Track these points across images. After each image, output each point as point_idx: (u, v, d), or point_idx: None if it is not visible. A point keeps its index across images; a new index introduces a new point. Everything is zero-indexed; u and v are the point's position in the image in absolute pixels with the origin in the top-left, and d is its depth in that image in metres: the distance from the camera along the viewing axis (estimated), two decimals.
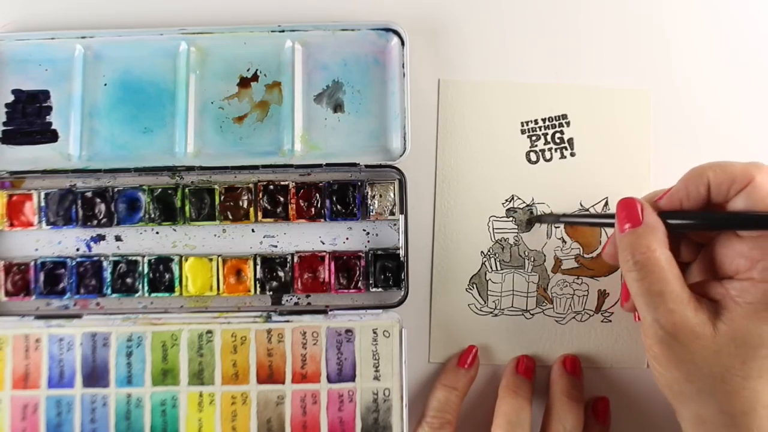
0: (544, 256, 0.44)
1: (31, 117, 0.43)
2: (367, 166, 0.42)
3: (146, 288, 0.43)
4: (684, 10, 0.45)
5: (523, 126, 0.44)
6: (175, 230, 0.44)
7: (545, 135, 0.44)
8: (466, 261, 0.44)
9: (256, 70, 0.43)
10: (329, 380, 0.41)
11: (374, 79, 0.43)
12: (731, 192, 0.32)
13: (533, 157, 0.44)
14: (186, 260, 0.43)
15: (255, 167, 0.42)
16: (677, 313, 0.32)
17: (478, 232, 0.44)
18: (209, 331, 0.42)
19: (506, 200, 0.44)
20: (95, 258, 0.43)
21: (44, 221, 0.43)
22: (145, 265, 0.43)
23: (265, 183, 0.43)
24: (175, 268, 0.43)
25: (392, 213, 0.43)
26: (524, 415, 0.40)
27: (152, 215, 0.43)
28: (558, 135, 0.44)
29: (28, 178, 0.43)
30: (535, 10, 0.45)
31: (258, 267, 0.43)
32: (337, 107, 0.43)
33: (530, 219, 0.43)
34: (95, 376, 0.42)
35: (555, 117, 0.44)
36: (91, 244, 0.44)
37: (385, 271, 0.42)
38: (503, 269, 0.44)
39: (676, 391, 0.33)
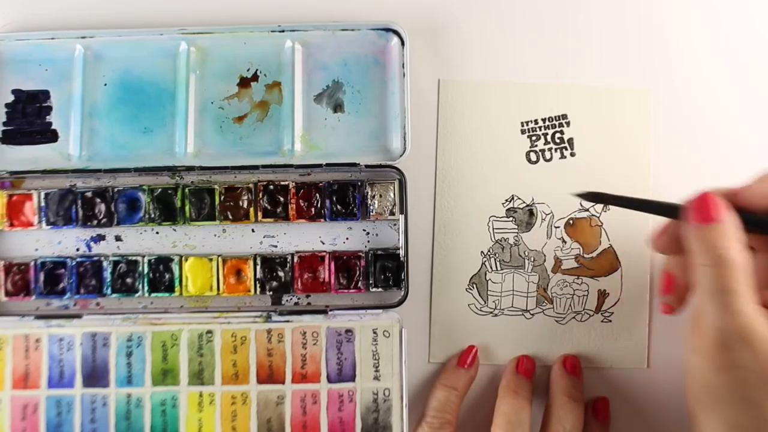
0: (544, 256, 0.44)
1: (31, 117, 0.43)
2: (367, 166, 0.42)
3: (146, 288, 0.43)
4: (684, 10, 0.45)
5: (523, 126, 0.44)
6: (175, 230, 0.44)
7: (545, 135, 0.44)
8: (466, 261, 0.44)
9: (256, 70, 0.43)
10: (329, 380, 0.41)
11: (374, 79, 0.43)
12: None
13: (533, 157, 0.44)
14: (186, 260, 0.43)
15: (255, 167, 0.42)
16: (748, 315, 0.31)
17: (478, 232, 0.44)
18: (209, 331, 0.42)
19: (506, 200, 0.44)
20: (95, 258, 0.43)
21: (44, 221, 0.43)
22: (145, 265, 0.43)
23: (265, 183, 0.43)
24: (175, 268, 0.43)
25: (392, 213, 0.43)
26: (524, 415, 0.40)
27: (152, 215, 0.43)
28: (558, 135, 0.44)
29: (28, 178, 0.43)
30: (535, 10, 0.45)
31: (258, 267, 0.43)
32: (337, 107, 0.43)
33: (588, 195, 0.38)
34: (95, 376, 0.42)
35: (555, 117, 0.44)
36: (91, 244, 0.44)
37: (385, 271, 0.42)
38: (503, 269, 0.44)
39: (716, 395, 0.31)
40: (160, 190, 0.43)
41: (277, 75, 0.43)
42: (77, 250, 0.44)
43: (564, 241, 0.44)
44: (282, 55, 0.43)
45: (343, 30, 0.43)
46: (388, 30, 0.43)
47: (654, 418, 0.44)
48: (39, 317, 0.42)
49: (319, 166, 0.42)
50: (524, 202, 0.44)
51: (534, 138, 0.44)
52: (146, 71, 0.43)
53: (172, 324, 0.42)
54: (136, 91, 0.43)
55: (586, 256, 0.44)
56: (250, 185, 0.43)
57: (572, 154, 0.44)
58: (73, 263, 0.43)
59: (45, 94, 0.43)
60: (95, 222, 0.43)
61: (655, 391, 0.43)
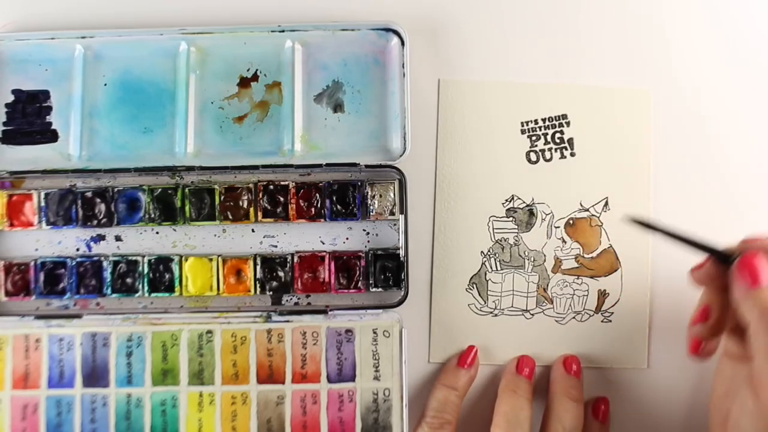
0: (544, 256, 0.44)
1: (31, 117, 0.43)
2: (367, 166, 0.42)
3: (146, 288, 0.43)
4: (684, 10, 0.45)
5: (523, 126, 0.44)
6: (175, 230, 0.44)
7: (545, 135, 0.44)
8: (466, 261, 0.44)
9: (256, 70, 0.43)
10: (329, 380, 0.41)
11: (374, 79, 0.43)
12: None
13: (533, 157, 0.44)
14: (186, 260, 0.43)
15: (255, 167, 0.42)
16: None
17: (478, 232, 0.44)
18: (209, 331, 0.42)
19: (506, 200, 0.44)
20: (95, 258, 0.43)
21: (44, 221, 0.43)
22: (145, 265, 0.43)
23: (265, 183, 0.43)
24: (175, 268, 0.43)
25: (392, 213, 0.43)
26: (524, 415, 0.40)
27: (152, 215, 0.43)
28: (558, 135, 0.44)
29: (28, 178, 0.43)
30: (535, 10, 0.45)
31: (258, 267, 0.43)
32: (337, 107, 0.43)
33: (641, 222, 0.38)
34: (95, 376, 0.42)
35: (555, 117, 0.44)
36: (91, 244, 0.44)
37: (385, 271, 0.42)
38: (503, 269, 0.44)
39: None
40: (160, 190, 0.43)
41: (277, 75, 0.43)
42: (77, 250, 0.44)
43: (564, 241, 0.44)
44: (282, 55, 0.43)
45: (343, 30, 0.43)
46: (388, 30, 0.43)
47: (654, 418, 0.44)
48: (39, 317, 0.42)
49: (319, 166, 0.42)
50: (524, 202, 0.44)
51: (534, 138, 0.44)
52: (146, 71, 0.43)
53: (172, 324, 0.42)
54: (136, 91, 0.43)
55: (586, 256, 0.44)
56: (250, 185, 0.43)
57: (572, 154, 0.44)
58: (73, 263, 0.43)
59: (45, 94, 0.43)
60: (95, 222, 0.43)
61: (655, 391, 0.44)
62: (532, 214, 0.44)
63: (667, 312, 0.43)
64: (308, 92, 0.43)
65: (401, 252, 0.42)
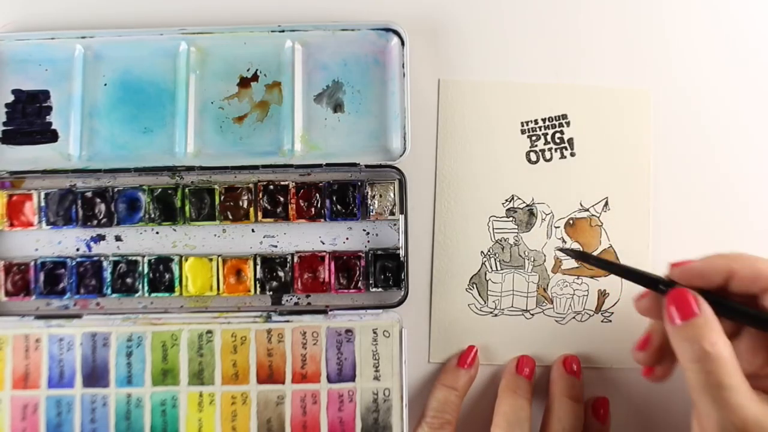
0: (544, 256, 0.44)
1: (31, 117, 0.43)
2: (367, 166, 0.42)
3: (146, 288, 0.43)
4: (684, 10, 0.45)
5: (523, 126, 0.44)
6: (175, 230, 0.44)
7: (545, 135, 0.44)
8: (466, 261, 0.44)
9: (256, 70, 0.43)
10: (329, 380, 0.41)
11: (374, 79, 0.43)
12: (755, 287, 0.32)
13: (533, 157, 0.44)
14: (186, 260, 0.43)
15: (255, 167, 0.42)
16: (747, 408, 0.30)
17: (478, 232, 0.44)
18: (209, 331, 0.42)
19: (506, 200, 0.44)
20: (95, 258, 0.43)
21: (44, 221, 0.43)
22: (145, 265, 0.43)
23: (265, 183, 0.43)
24: (175, 268, 0.43)
25: (392, 213, 0.43)
26: (524, 415, 0.40)
27: (152, 215, 0.43)
28: (558, 135, 0.44)
29: (28, 178, 0.43)
30: (535, 10, 0.45)
31: (258, 267, 0.43)
32: (337, 107, 0.43)
33: (561, 249, 0.43)
34: (95, 376, 0.42)
35: (555, 117, 0.44)
36: (91, 244, 0.44)
37: (385, 271, 0.42)
38: (503, 269, 0.44)
39: None
40: (160, 190, 0.43)
41: (277, 75, 0.43)
42: (77, 250, 0.44)
43: (564, 241, 0.44)
44: (282, 55, 0.43)
45: (343, 30, 0.43)
46: (388, 30, 0.43)
47: (654, 418, 0.44)
48: (39, 317, 0.42)
49: (319, 166, 0.42)
50: (524, 202, 0.44)
51: (534, 138, 0.44)
52: (146, 71, 0.43)
53: (172, 324, 0.42)
54: (136, 91, 0.43)
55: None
56: (250, 185, 0.43)
57: (572, 154, 0.44)
58: (73, 263, 0.43)
59: (45, 94, 0.43)
60: (95, 222, 0.43)
61: (655, 391, 0.43)
62: (532, 214, 0.44)
63: None
64: (308, 92, 0.43)
65: (401, 252, 0.42)
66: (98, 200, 0.43)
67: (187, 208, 0.43)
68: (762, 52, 0.45)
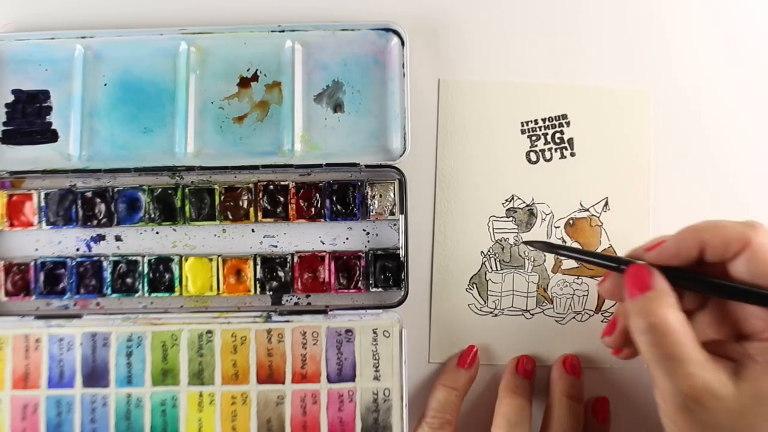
0: (544, 256, 0.44)
1: (31, 117, 0.43)
2: (367, 166, 0.42)
3: (146, 288, 0.43)
4: (684, 10, 0.45)
5: (523, 126, 0.44)
6: (175, 230, 0.44)
7: (545, 135, 0.44)
8: (466, 261, 0.44)
9: (256, 70, 0.43)
10: (329, 380, 0.41)
11: (374, 79, 0.43)
12: (727, 254, 0.32)
13: (533, 157, 0.44)
14: (186, 260, 0.43)
15: (255, 167, 0.42)
16: (697, 376, 0.31)
17: (478, 232, 0.44)
18: (209, 331, 0.42)
19: (506, 200, 0.44)
20: (95, 258, 0.43)
21: (44, 221, 0.43)
22: (145, 265, 0.43)
23: (265, 183, 0.43)
24: (175, 268, 0.43)
25: (392, 213, 0.43)
26: (524, 415, 0.40)
27: (152, 215, 0.43)
28: (558, 135, 0.44)
29: (28, 178, 0.43)
30: (535, 10, 0.45)
31: (258, 267, 0.43)
32: (337, 107, 0.43)
33: (526, 242, 0.43)
34: (95, 376, 0.42)
35: (555, 117, 0.44)
36: (91, 244, 0.44)
37: (385, 271, 0.42)
38: (503, 269, 0.44)
39: None
40: (160, 190, 0.43)
41: (277, 75, 0.43)
42: (77, 250, 0.44)
43: (564, 241, 0.44)
44: (282, 55, 0.43)
45: (343, 30, 0.43)
46: (388, 30, 0.43)
47: (654, 418, 0.43)
48: (39, 317, 0.42)
49: (319, 166, 0.42)
50: (524, 202, 0.44)
51: (534, 138, 0.44)
52: (146, 71, 0.43)
53: (172, 324, 0.42)
54: (136, 91, 0.43)
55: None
56: (250, 185, 0.43)
57: (572, 154, 0.44)
58: (73, 263, 0.43)
59: (45, 94, 0.43)
60: (95, 222, 0.43)
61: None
62: (532, 214, 0.44)
63: None
64: (308, 92, 0.43)
65: (401, 252, 0.42)
66: (98, 200, 0.43)
67: (187, 208, 0.43)
68: (762, 52, 0.45)
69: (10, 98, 0.43)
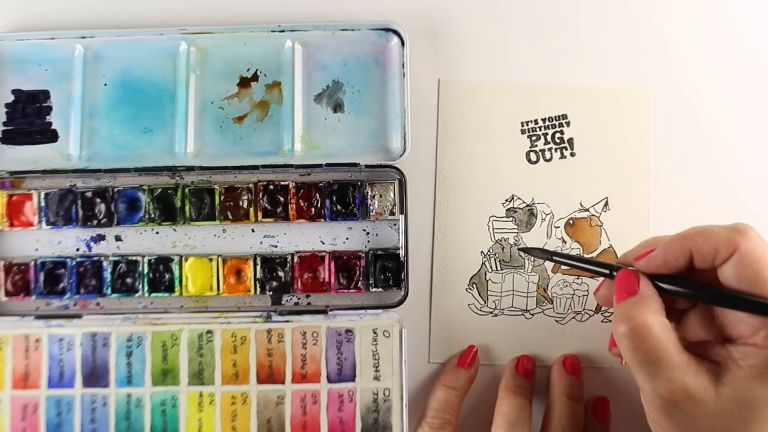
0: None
1: (31, 117, 0.43)
2: (367, 166, 0.42)
3: (146, 288, 0.43)
4: (684, 10, 0.45)
5: (523, 126, 0.44)
6: (175, 230, 0.44)
7: (545, 135, 0.44)
8: (466, 261, 0.44)
9: (256, 70, 0.43)
10: (329, 380, 0.41)
11: (374, 79, 0.43)
12: (717, 261, 0.32)
13: (533, 157, 0.44)
14: (186, 260, 0.43)
15: (255, 167, 0.42)
16: (676, 380, 0.31)
17: (478, 232, 0.44)
18: (209, 331, 0.42)
19: (506, 200, 0.44)
20: (95, 258, 0.43)
21: (44, 221, 0.43)
22: (145, 265, 0.43)
23: (265, 183, 0.43)
24: (175, 268, 0.43)
25: (392, 213, 0.43)
26: (524, 415, 0.40)
27: (152, 215, 0.43)
28: (558, 135, 0.44)
29: (28, 178, 0.43)
30: (535, 10, 0.45)
31: (258, 267, 0.43)
32: (337, 107, 0.43)
33: (522, 249, 0.43)
34: (95, 376, 0.42)
35: (555, 117, 0.44)
36: (91, 244, 0.44)
37: (385, 271, 0.42)
38: (503, 269, 0.44)
39: None
40: (160, 190, 0.43)
41: (277, 75, 0.43)
42: (77, 250, 0.44)
43: (564, 241, 0.44)
44: (282, 55, 0.43)
45: (343, 30, 0.43)
46: (388, 30, 0.43)
47: None
48: (39, 317, 0.42)
49: (319, 166, 0.42)
50: (524, 202, 0.44)
51: (534, 138, 0.44)
52: (146, 71, 0.43)
53: (172, 324, 0.42)
54: (136, 91, 0.43)
55: (586, 256, 0.44)
56: (250, 185, 0.43)
57: (572, 154, 0.44)
58: (73, 263, 0.43)
59: (45, 94, 0.43)
60: (95, 222, 0.43)
61: None
62: (532, 214, 0.44)
63: None
64: (308, 92, 0.43)
65: (401, 252, 0.42)
66: (98, 200, 0.43)
67: (187, 208, 0.43)
68: (762, 52, 0.45)
69: (10, 98, 0.43)
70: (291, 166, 0.42)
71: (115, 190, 0.43)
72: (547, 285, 0.44)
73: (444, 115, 0.44)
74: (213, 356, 0.42)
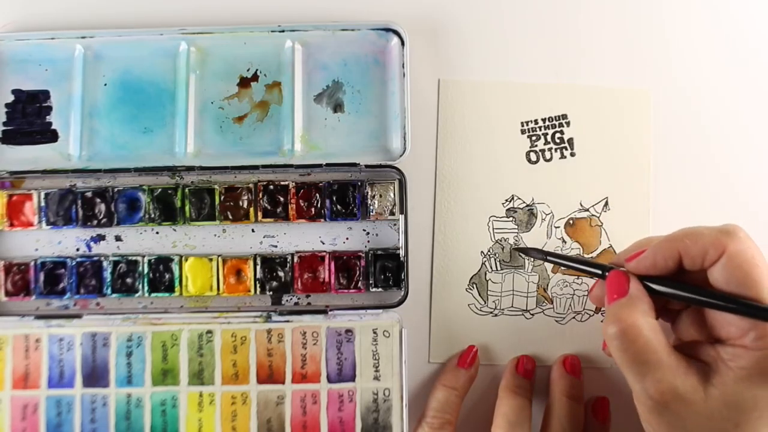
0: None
1: (31, 117, 0.43)
2: (367, 166, 0.42)
3: (146, 288, 0.43)
4: (684, 10, 0.45)
5: (523, 126, 0.44)
6: (175, 230, 0.44)
7: (545, 135, 0.44)
8: (466, 261, 0.44)
9: (256, 70, 0.43)
10: (329, 380, 0.41)
11: (374, 79, 0.43)
12: (706, 262, 0.32)
13: (533, 157, 0.44)
14: (186, 260, 0.43)
15: (255, 167, 0.42)
16: (665, 382, 0.32)
17: (478, 232, 0.44)
18: (209, 331, 0.42)
19: (506, 200, 0.44)
20: (95, 258, 0.43)
21: (44, 221, 0.43)
22: (145, 265, 0.43)
23: (265, 183, 0.43)
24: (175, 268, 0.43)
25: (392, 213, 0.43)
26: (524, 415, 0.40)
27: (152, 215, 0.43)
28: (558, 135, 0.44)
29: (28, 178, 0.43)
30: (535, 10, 0.45)
31: (258, 267, 0.43)
32: (337, 107, 0.43)
33: (517, 249, 0.43)
34: (95, 376, 0.42)
35: (555, 117, 0.44)
36: (91, 244, 0.44)
37: (385, 271, 0.42)
38: (503, 269, 0.44)
39: None
40: (160, 190, 0.43)
41: (277, 75, 0.43)
42: (77, 250, 0.44)
43: (564, 241, 0.44)
44: (282, 55, 0.43)
45: (343, 30, 0.43)
46: (388, 30, 0.43)
47: None
48: (39, 317, 0.42)
49: (319, 166, 0.42)
50: (524, 202, 0.44)
51: (534, 138, 0.44)
52: (146, 71, 0.43)
53: (172, 324, 0.42)
54: (136, 91, 0.43)
55: (586, 256, 0.44)
56: (250, 185, 0.43)
57: (572, 154, 0.44)
58: (73, 263, 0.43)
59: (45, 94, 0.43)
60: (95, 222, 0.43)
61: None
62: (532, 214, 0.44)
63: None
64: (308, 92, 0.43)
65: (401, 252, 0.42)
66: (98, 200, 0.43)
67: (187, 208, 0.43)
68: (762, 52, 0.45)
69: (10, 98, 0.43)
70: (291, 166, 0.42)
71: (115, 190, 0.43)
72: (547, 285, 0.44)
73: (444, 115, 0.44)
74: (213, 356, 0.42)
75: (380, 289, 0.42)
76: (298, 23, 0.43)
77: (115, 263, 0.43)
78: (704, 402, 0.31)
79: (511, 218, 0.44)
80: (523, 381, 0.42)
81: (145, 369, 0.41)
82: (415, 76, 0.43)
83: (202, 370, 0.42)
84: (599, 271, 0.37)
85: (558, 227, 0.44)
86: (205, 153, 0.43)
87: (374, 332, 0.42)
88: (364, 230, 0.44)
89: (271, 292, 0.43)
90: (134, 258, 0.43)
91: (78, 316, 0.42)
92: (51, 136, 0.43)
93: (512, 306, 0.44)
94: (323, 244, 0.43)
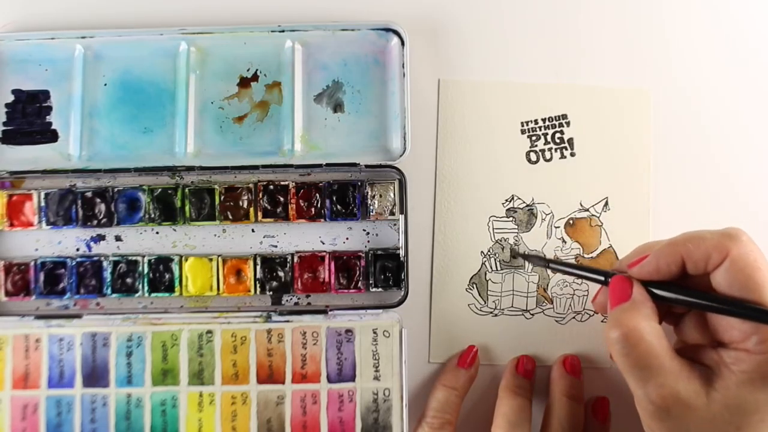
0: (544, 256, 0.44)
1: (31, 117, 0.43)
2: (367, 166, 0.42)
3: (146, 288, 0.43)
4: (684, 10, 0.45)
5: (523, 126, 0.44)
6: (175, 230, 0.44)
7: (545, 135, 0.44)
8: (466, 261, 0.44)
9: (256, 70, 0.43)
10: (329, 380, 0.41)
11: (374, 79, 0.43)
12: (709, 266, 0.32)
13: (533, 157, 0.44)
14: (186, 260, 0.43)
15: (255, 167, 0.42)
16: (667, 386, 0.32)
17: (478, 232, 0.44)
18: (209, 331, 0.42)
19: (506, 200, 0.44)
20: (95, 258, 0.43)
21: (44, 221, 0.43)
22: (145, 265, 0.43)
23: (265, 183, 0.43)
24: (175, 268, 0.43)
25: (392, 213, 0.43)
26: (524, 415, 0.40)
27: (152, 215, 0.43)
28: (558, 135, 0.44)
29: (28, 178, 0.43)
30: (535, 10, 0.45)
31: (258, 267, 0.43)
32: (337, 107, 0.43)
33: (516, 254, 0.43)
34: (95, 376, 0.42)
35: (555, 117, 0.44)
36: (91, 244, 0.44)
37: (385, 271, 0.42)
38: (503, 269, 0.44)
39: None
40: (160, 190, 0.43)
41: (277, 75, 0.43)
42: (77, 250, 0.44)
43: (564, 241, 0.44)
44: (282, 55, 0.43)
45: (343, 30, 0.43)
46: (388, 30, 0.43)
47: None
48: (39, 317, 0.42)
49: (319, 166, 0.42)
50: (524, 202, 0.44)
51: (534, 138, 0.44)
52: (146, 71, 0.43)
53: (172, 324, 0.42)
54: (136, 91, 0.43)
55: (586, 256, 0.44)
56: (250, 185, 0.43)
57: (572, 154, 0.44)
58: (73, 263, 0.43)
59: (45, 94, 0.43)
60: (95, 222, 0.43)
61: None
62: (532, 214, 0.44)
63: None
64: (308, 92, 0.43)
65: (401, 252, 0.42)
66: (98, 200, 0.43)
67: (187, 208, 0.43)
68: (762, 52, 0.45)
69: (10, 98, 0.43)
70: (291, 166, 0.42)
71: (115, 190, 0.43)
72: (547, 285, 0.44)
73: (444, 115, 0.44)
74: (213, 356, 0.42)
75: (380, 289, 0.42)
76: (298, 23, 0.43)
77: (115, 263, 0.43)
78: (706, 406, 0.31)
79: (511, 218, 0.44)
80: (523, 381, 0.42)
81: (145, 369, 0.41)
82: (415, 76, 0.43)
83: (202, 370, 0.42)
84: (602, 278, 0.37)
85: (558, 227, 0.44)
86: (205, 153, 0.43)
87: (374, 332, 0.42)
88: (364, 230, 0.44)
89: (271, 292, 0.43)
90: (134, 258, 0.43)
91: (78, 316, 0.42)
92: (51, 136, 0.43)
93: (512, 306, 0.44)
94: (323, 244, 0.43)
